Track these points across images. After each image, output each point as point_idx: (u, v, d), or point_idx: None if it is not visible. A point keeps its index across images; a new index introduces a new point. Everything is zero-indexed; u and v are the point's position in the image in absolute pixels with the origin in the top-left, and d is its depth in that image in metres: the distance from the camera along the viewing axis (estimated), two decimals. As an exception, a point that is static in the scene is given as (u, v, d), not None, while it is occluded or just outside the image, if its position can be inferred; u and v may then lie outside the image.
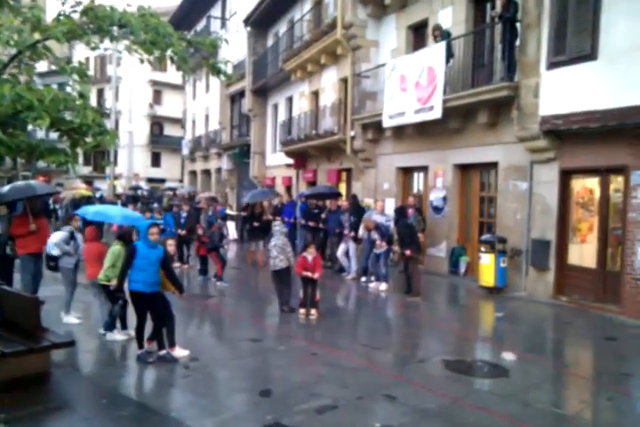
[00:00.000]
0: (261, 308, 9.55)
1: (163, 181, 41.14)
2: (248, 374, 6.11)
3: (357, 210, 12.95)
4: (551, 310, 9.61)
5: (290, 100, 21.85)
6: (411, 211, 11.47)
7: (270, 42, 23.28)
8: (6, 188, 8.35)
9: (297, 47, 19.01)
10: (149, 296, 6.42)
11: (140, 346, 6.49)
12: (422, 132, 13.09)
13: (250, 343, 7.31)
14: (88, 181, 37.45)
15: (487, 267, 10.54)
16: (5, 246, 8.69)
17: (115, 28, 3.87)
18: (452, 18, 12.59)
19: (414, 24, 14.14)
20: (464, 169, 12.60)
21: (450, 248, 12.61)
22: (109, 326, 7.30)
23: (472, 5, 12.35)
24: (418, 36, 14.27)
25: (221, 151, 28.17)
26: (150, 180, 41.33)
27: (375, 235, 11.06)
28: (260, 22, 22.99)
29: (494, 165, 11.48)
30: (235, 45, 23.29)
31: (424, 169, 13.73)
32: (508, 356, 6.72)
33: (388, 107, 13.44)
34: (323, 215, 14.06)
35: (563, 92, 9.41)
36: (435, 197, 13.11)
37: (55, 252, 7.93)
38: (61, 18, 3.90)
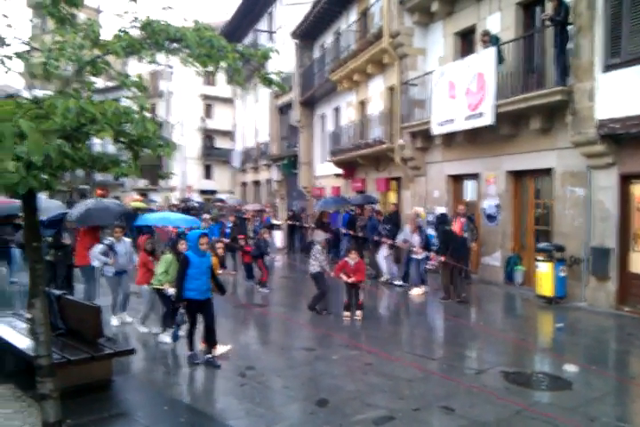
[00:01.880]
0: (313, 316, 9.55)
1: (214, 192, 41.87)
2: (303, 384, 6.11)
3: (394, 219, 13.47)
4: (613, 321, 9.25)
5: (337, 110, 21.95)
6: (462, 220, 11.31)
7: (317, 53, 23.50)
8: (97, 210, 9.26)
9: (343, 58, 19.10)
10: (203, 302, 6.75)
11: (191, 348, 6.80)
12: (473, 138, 12.91)
13: (303, 352, 7.32)
14: (143, 193, 38.47)
15: (545, 276, 10.24)
16: (72, 257, 9.25)
17: (171, 42, 3.98)
18: (500, 23, 12.41)
19: (462, 30, 14.02)
20: (517, 176, 12.33)
21: (505, 257, 12.32)
22: (166, 330, 7.75)
23: (521, 10, 12.15)
24: (465, 42, 14.13)
25: (270, 162, 28.54)
26: (203, 191, 42.15)
27: (415, 240, 11.33)
28: (306, 34, 23.28)
29: (549, 171, 11.20)
30: (282, 58, 23.64)
31: (475, 176, 13.51)
32: (570, 368, 6.49)
33: (436, 114, 13.32)
34: (359, 223, 14.65)
35: (619, 95, 9.11)
36: (488, 204, 12.88)
37: (95, 263, 8.72)
38: (121, 33, 4.03)
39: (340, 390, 5.80)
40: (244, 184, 35.41)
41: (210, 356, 6.72)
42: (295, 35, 23.64)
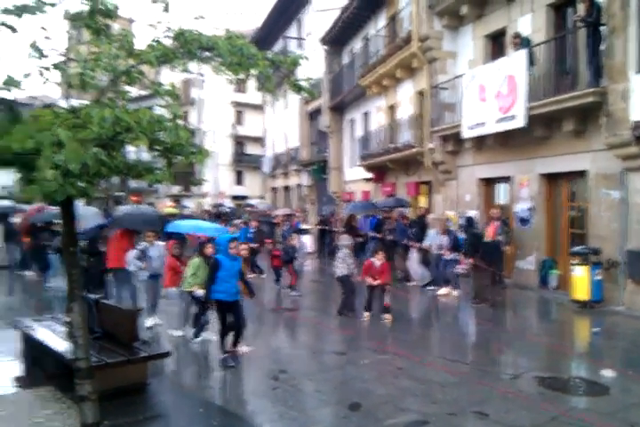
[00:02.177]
0: (343, 320, 9.56)
1: (245, 198, 42.24)
2: (335, 387, 6.13)
3: (421, 222, 13.73)
4: (652, 326, 9.04)
5: (366, 115, 21.97)
6: (497, 223, 11.22)
7: (346, 59, 23.58)
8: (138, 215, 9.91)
9: (372, 63, 19.13)
10: (232, 304, 6.95)
11: (224, 351, 6.95)
12: (504, 141, 12.78)
13: (334, 356, 7.35)
14: (177, 199, 39.07)
15: (580, 280, 10.05)
16: (104, 263, 9.55)
17: (203, 50, 4.06)
18: (531, 25, 12.28)
19: (492, 33, 13.91)
20: (551, 178, 12.15)
21: (539, 261, 12.14)
22: (197, 334, 7.96)
23: (552, 11, 12.00)
24: (496, 45, 14.01)
25: (300, 168, 28.69)
26: (235, 197, 42.59)
27: (444, 242, 11.47)
28: (335, 40, 23.40)
29: (583, 173, 11.01)
30: (311, 64, 23.77)
31: (507, 179, 13.36)
32: (608, 373, 6.37)
33: (467, 117, 13.24)
34: (387, 227, 14.79)
35: (655, 94, 8.94)
36: (521, 208, 12.71)
37: (131, 267, 9.06)
38: (154, 43, 4.14)
39: (372, 394, 5.80)
40: (274, 189, 35.64)
41: (228, 354, 6.87)
42: (324, 41, 23.79)
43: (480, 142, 13.60)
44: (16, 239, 16.30)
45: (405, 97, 18.06)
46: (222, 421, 5.16)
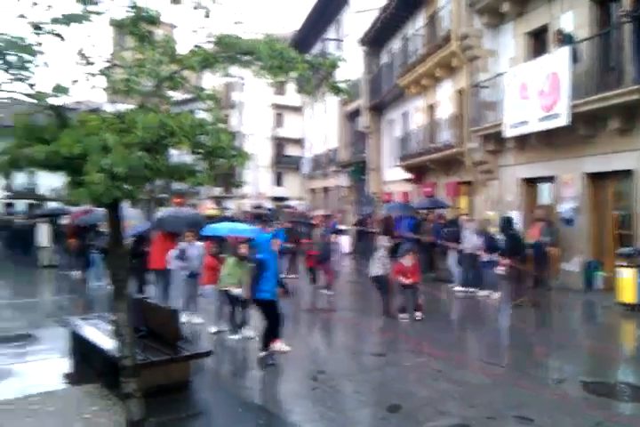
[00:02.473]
0: (380, 321, 9.54)
1: (285, 199, 42.51)
2: (374, 389, 6.13)
3: (456, 223, 13.62)
4: None
5: (405, 115, 21.84)
6: (541, 224, 11.01)
7: (384, 59, 23.51)
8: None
9: (411, 62, 19.03)
10: (275, 303, 7.09)
11: (265, 349, 7.03)
12: (547, 140, 12.53)
13: (372, 357, 7.35)
14: (218, 201, 39.62)
15: (627, 282, 9.78)
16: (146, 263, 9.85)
17: (243, 55, 4.13)
18: (573, 21, 12.03)
19: (533, 30, 13.67)
20: (595, 178, 11.85)
21: (583, 262, 11.85)
22: (235, 329, 8.20)
23: (595, 7, 11.72)
24: (537, 42, 13.76)
25: (339, 169, 28.71)
26: (274, 198, 42.92)
27: (479, 243, 11.51)
28: (374, 41, 23.35)
29: (628, 172, 10.71)
30: (350, 65, 23.79)
31: (550, 179, 13.09)
32: (656, 378, 6.19)
33: (509, 116, 13.04)
34: (424, 227, 14.79)
35: None
36: (564, 208, 12.44)
37: (172, 266, 9.40)
38: (196, 49, 4.23)
39: (411, 396, 5.77)
40: (313, 191, 35.75)
41: (268, 353, 6.96)
42: (363, 41, 23.79)
43: (522, 141, 13.37)
44: (62, 240, 16.89)
45: (445, 96, 17.90)
46: (262, 420, 5.22)
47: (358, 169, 25.71)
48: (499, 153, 14.78)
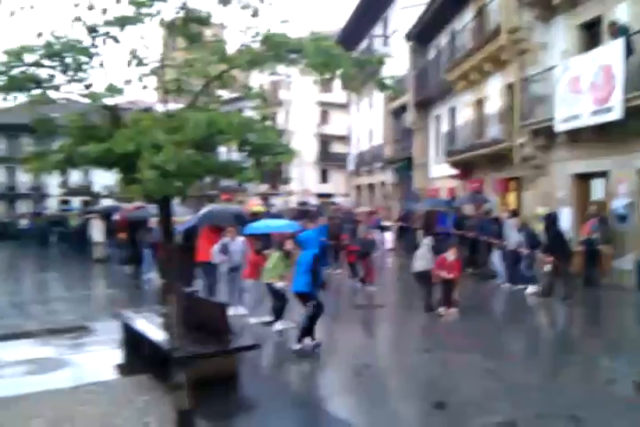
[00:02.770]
0: (424, 316, 9.47)
1: (330, 195, 42.62)
2: (419, 385, 6.12)
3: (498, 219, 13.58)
4: None
5: (452, 110, 21.55)
6: (594, 220, 10.70)
7: (431, 55, 23.25)
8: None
9: (459, 57, 18.76)
10: (315, 296, 7.31)
11: (313, 338, 7.23)
12: (601, 135, 12.15)
13: (417, 353, 7.32)
14: (264, 197, 40.01)
15: (684, 281, 9.43)
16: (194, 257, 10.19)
17: (290, 53, 4.16)
18: (628, 12, 11.62)
19: (586, 23, 13.27)
20: (651, 174, 11.45)
21: (637, 260, 11.47)
22: (275, 320, 8.39)
23: (653, -4, 11.32)
24: (590, 34, 13.34)
25: (385, 165, 28.60)
26: (320, 195, 43.09)
27: (521, 239, 11.49)
28: (420, 36, 23.14)
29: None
30: (397, 61, 23.63)
31: (603, 175, 12.70)
32: None
33: (560, 110, 12.71)
34: (469, 223, 14.62)
35: None
36: (618, 204, 12.05)
37: (216, 260, 9.76)
38: (244, 48, 4.30)
39: (458, 393, 5.73)
40: (358, 187, 35.72)
41: (312, 343, 7.13)
42: (409, 37, 23.61)
43: (574, 136, 13.01)
44: (114, 236, 17.46)
45: (494, 91, 17.58)
46: (308, 413, 5.29)
47: (405, 165, 25.57)
48: (549, 148, 14.42)
